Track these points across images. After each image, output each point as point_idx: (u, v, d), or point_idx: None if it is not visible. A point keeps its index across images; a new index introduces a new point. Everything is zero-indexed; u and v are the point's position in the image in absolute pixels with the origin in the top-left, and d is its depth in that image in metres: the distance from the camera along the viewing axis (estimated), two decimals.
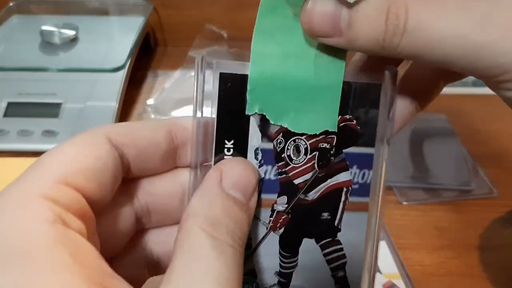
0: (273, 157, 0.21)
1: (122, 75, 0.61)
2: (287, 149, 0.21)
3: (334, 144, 0.21)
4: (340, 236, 0.22)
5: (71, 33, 0.69)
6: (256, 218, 0.21)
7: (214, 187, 0.19)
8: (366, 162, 0.21)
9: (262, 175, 0.21)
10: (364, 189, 0.22)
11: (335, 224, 0.22)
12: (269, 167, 0.21)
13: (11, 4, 0.75)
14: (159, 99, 0.65)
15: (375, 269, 0.22)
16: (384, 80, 0.21)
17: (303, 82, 0.19)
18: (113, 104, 0.57)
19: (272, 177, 0.21)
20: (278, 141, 0.20)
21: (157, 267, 0.22)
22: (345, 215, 0.22)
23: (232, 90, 0.20)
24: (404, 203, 0.50)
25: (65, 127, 0.55)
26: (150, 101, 0.65)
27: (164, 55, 0.77)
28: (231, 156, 0.20)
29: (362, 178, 0.21)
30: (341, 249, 0.22)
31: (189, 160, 0.21)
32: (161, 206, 0.22)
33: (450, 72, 0.22)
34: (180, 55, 0.73)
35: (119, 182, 0.20)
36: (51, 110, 0.57)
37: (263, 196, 0.21)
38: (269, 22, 0.19)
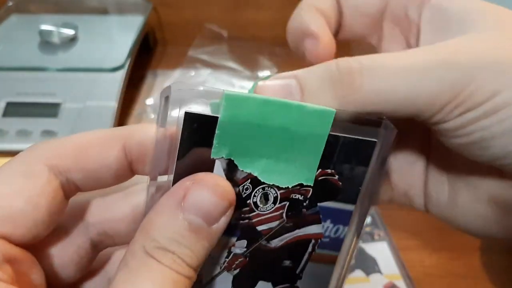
0: (237, 202, 0.18)
1: (121, 74, 0.61)
2: (254, 195, 0.19)
3: (308, 196, 0.19)
4: (300, 283, 0.21)
5: (70, 32, 0.68)
6: (210, 255, 0.19)
7: (172, 206, 0.17)
8: (342, 218, 0.20)
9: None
10: (334, 244, 0.20)
11: (297, 272, 0.20)
12: None
13: (10, 3, 0.75)
14: (159, 99, 0.65)
15: None
16: (379, 138, 0.18)
17: (281, 129, 0.17)
18: (113, 104, 0.57)
19: (233, 221, 0.19)
20: (245, 187, 0.19)
21: None
22: (309, 264, 0.20)
23: (198, 131, 0.17)
24: None
25: (64, 127, 0.55)
26: (149, 101, 0.65)
27: (164, 54, 0.77)
28: None
29: (335, 233, 0.20)
30: None
31: (145, 172, 0.20)
32: (120, 230, 0.21)
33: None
34: (180, 55, 0.73)
35: (61, 211, 0.19)
36: (50, 110, 0.57)
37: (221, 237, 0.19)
38: None
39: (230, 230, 0.19)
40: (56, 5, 0.76)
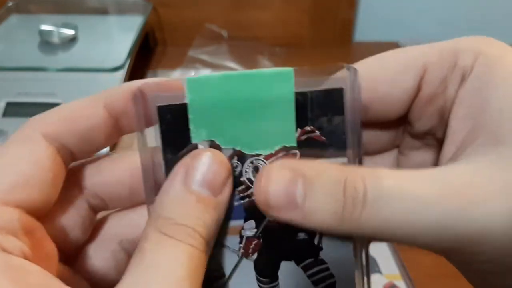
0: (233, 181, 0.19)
1: (121, 74, 0.61)
2: (246, 171, 0.19)
3: (298, 159, 0.19)
4: (323, 254, 0.20)
5: (70, 32, 0.68)
6: (224, 246, 0.20)
7: (177, 183, 0.18)
8: None
9: None
10: None
11: (315, 243, 0.20)
12: None
13: (9, 3, 0.75)
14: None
15: (369, 282, 0.21)
16: (346, 83, 0.19)
17: (249, 99, 0.18)
18: None
19: (235, 203, 0.19)
20: (234, 165, 0.19)
21: (132, 249, 0.20)
22: None
23: (174, 121, 0.18)
24: None
25: None
26: None
27: (164, 54, 0.77)
28: None
29: None
30: (327, 269, 0.20)
31: (132, 128, 0.20)
32: (112, 194, 0.21)
33: None
34: (180, 55, 0.73)
35: (63, 177, 0.19)
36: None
37: (229, 223, 0.19)
38: None
39: (235, 213, 0.19)
40: (56, 5, 0.76)
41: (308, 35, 0.80)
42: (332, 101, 0.19)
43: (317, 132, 0.19)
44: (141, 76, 0.70)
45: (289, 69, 0.18)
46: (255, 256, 0.20)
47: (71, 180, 0.21)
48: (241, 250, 0.20)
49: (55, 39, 0.68)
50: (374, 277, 0.43)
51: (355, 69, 0.19)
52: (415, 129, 0.22)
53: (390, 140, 0.24)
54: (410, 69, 0.20)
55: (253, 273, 0.20)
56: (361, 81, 0.19)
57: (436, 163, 0.20)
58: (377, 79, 0.20)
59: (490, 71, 0.18)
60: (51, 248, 0.18)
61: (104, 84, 0.59)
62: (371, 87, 0.20)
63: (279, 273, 0.20)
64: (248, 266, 0.20)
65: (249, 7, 0.78)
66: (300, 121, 0.19)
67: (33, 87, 0.59)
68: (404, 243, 0.17)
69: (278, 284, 0.20)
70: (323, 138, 0.19)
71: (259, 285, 0.20)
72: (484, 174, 0.17)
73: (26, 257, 0.16)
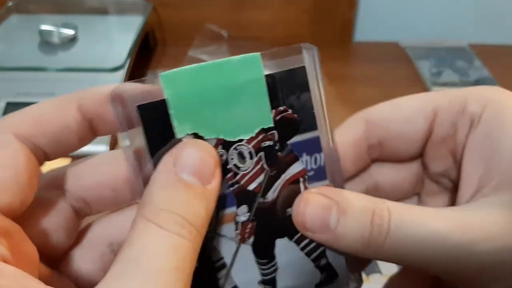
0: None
1: (121, 75, 0.61)
2: (231, 159, 0.20)
3: (277, 139, 0.20)
4: None
5: (70, 32, 0.68)
6: (222, 235, 0.20)
7: (166, 172, 0.18)
8: (314, 146, 0.21)
9: None
10: (320, 173, 0.21)
11: None
12: None
13: (9, 3, 0.75)
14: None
15: None
16: (305, 61, 0.20)
17: (224, 87, 0.19)
18: None
19: (225, 192, 0.20)
20: (219, 153, 0.19)
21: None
22: None
23: (156, 117, 0.19)
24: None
25: None
26: None
27: (164, 54, 0.77)
28: None
29: (315, 162, 0.21)
30: None
31: (107, 130, 0.20)
32: (95, 196, 0.21)
33: None
34: (180, 55, 0.73)
35: (38, 176, 0.19)
36: None
37: (223, 212, 0.20)
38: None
39: (227, 201, 0.20)
40: (56, 5, 0.76)
41: (308, 35, 0.80)
42: (297, 79, 0.20)
43: (289, 111, 0.20)
44: (141, 76, 0.70)
45: (256, 54, 0.19)
46: (251, 239, 0.21)
47: (54, 184, 0.21)
48: (238, 236, 0.21)
49: (55, 39, 0.68)
50: (374, 277, 0.43)
51: (312, 47, 0.20)
52: (431, 170, 0.24)
53: (411, 187, 0.25)
54: (421, 112, 0.22)
55: (252, 258, 0.21)
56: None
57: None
58: (390, 119, 0.23)
59: (499, 118, 0.20)
60: (31, 250, 0.18)
61: (104, 84, 0.59)
62: (384, 126, 0.23)
63: (275, 252, 0.21)
64: (247, 251, 0.21)
65: (249, 7, 0.78)
66: (273, 102, 0.20)
67: (33, 87, 0.59)
68: (419, 269, 0.20)
69: (276, 263, 0.21)
70: (295, 115, 0.20)
71: (259, 268, 0.21)
72: (496, 213, 0.19)
73: (4, 259, 0.16)
